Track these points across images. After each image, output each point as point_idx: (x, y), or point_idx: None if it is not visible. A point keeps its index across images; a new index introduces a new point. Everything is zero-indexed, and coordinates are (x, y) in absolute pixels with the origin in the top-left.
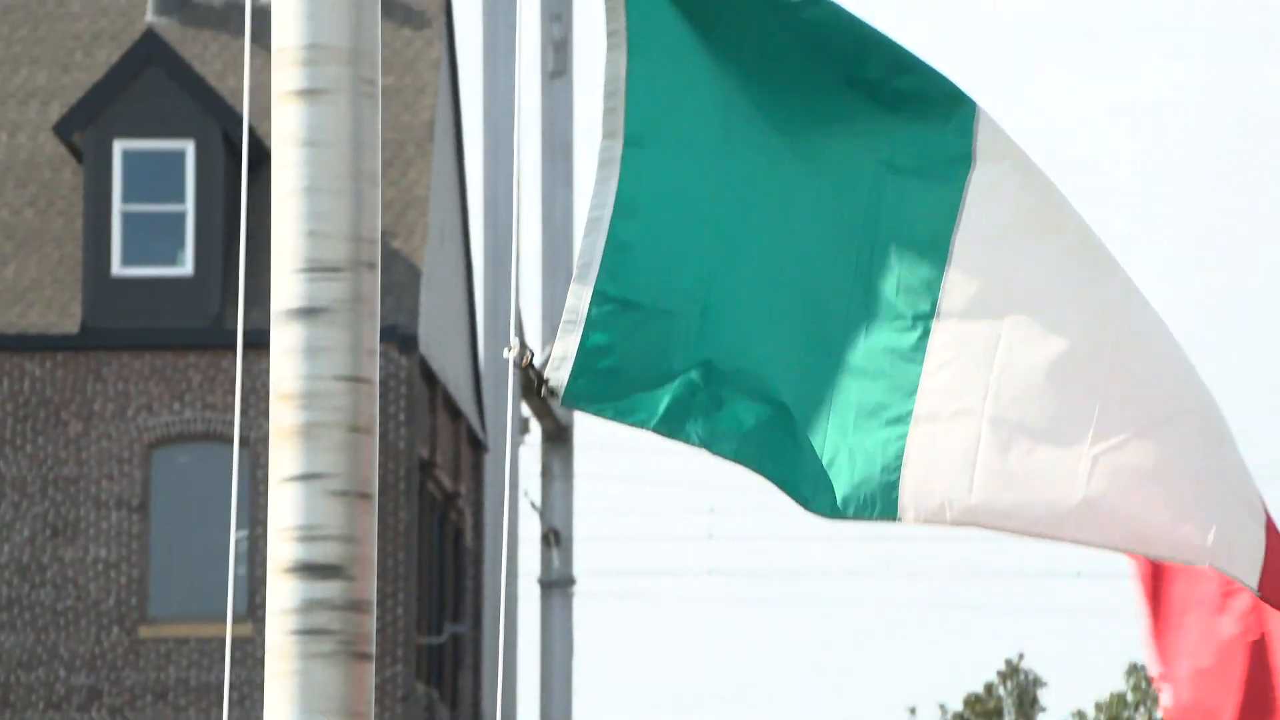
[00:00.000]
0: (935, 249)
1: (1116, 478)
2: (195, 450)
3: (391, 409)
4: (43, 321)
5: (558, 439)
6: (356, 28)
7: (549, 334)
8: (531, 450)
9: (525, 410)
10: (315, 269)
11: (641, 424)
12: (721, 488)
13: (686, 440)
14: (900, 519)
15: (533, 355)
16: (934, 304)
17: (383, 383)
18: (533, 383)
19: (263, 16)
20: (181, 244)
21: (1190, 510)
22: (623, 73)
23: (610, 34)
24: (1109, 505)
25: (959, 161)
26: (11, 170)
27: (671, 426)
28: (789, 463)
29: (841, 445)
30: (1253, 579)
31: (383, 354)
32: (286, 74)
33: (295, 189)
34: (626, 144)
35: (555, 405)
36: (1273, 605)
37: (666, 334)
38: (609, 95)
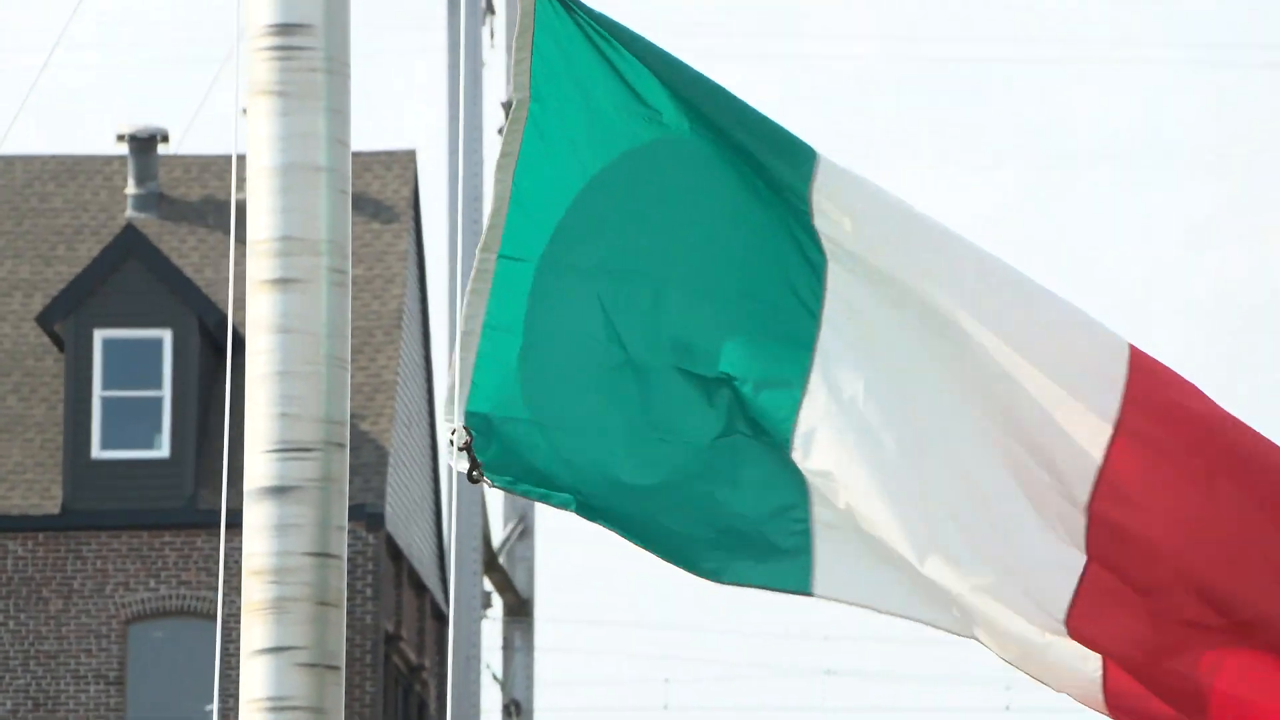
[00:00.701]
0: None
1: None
2: (170, 626)
3: (359, 584)
4: (25, 503)
5: (519, 613)
6: (329, 221)
7: (508, 506)
8: (493, 624)
9: (487, 585)
10: (287, 449)
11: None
12: (677, 659)
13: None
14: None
15: (469, 439)
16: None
17: (350, 559)
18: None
19: (241, 211)
20: (158, 428)
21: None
22: (508, 193)
23: (502, 155)
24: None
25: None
26: None
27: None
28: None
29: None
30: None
31: (351, 531)
32: (262, 264)
33: (269, 373)
34: (500, 257)
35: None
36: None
37: (552, 439)
38: (494, 213)
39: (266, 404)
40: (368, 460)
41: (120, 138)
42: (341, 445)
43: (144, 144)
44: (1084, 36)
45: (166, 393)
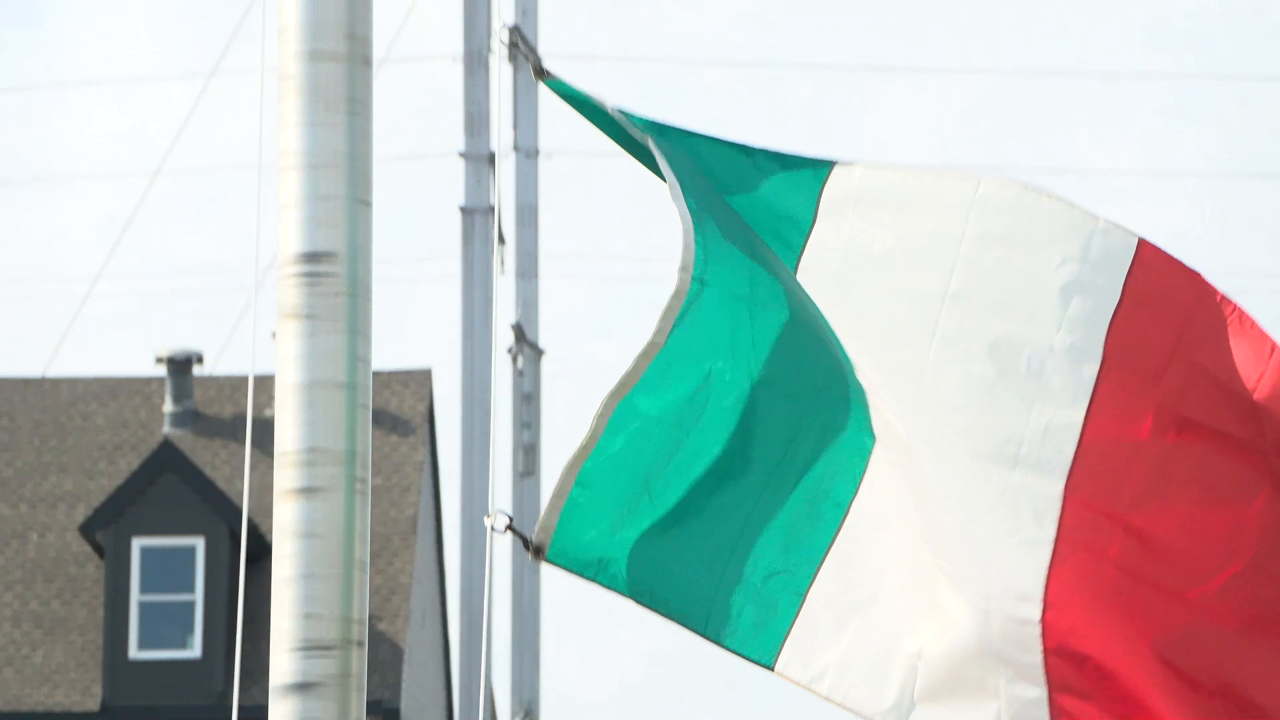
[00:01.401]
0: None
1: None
2: None
3: None
4: (68, 700)
5: None
6: (350, 434)
7: (518, 706)
8: None
9: None
10: (310, 647)
11: (608, 586)
12: None
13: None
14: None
15: (511, 520)
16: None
17: None
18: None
19: (265, 427)
20: (191, 630)
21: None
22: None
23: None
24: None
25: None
26: (41, 566)
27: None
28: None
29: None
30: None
31: None
32: (287, 474)
33: (293, 575)
34: (695, 279)
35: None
36: None
37: (641, 506)
38: (684, 233)
39: (291, 605)
40: (384, 658)
41: (159, 360)
42: (361, 643)
43: (180, 366)
44: None
45: (199, 597)
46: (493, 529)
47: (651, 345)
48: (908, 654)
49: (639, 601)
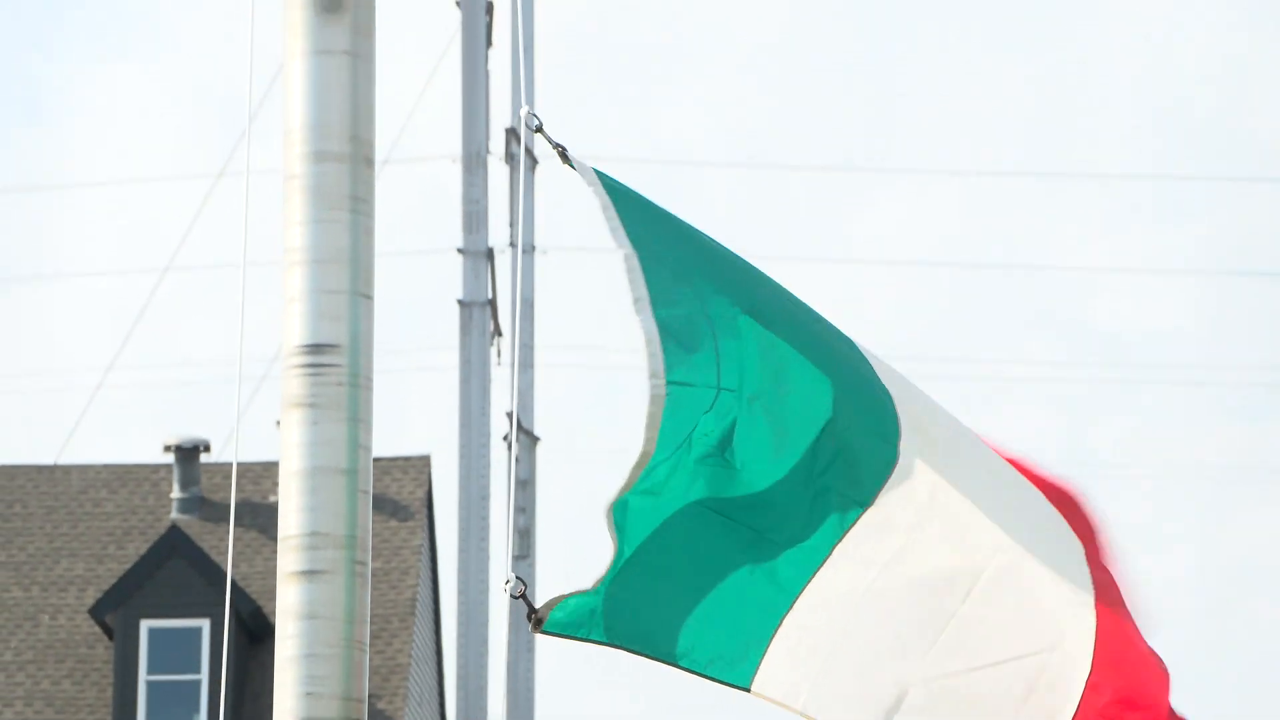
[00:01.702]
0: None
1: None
2: None
3: None
4: None
5: None
6: (350, 518)
7: None
8: None
9: None
10: None
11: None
12: None
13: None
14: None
15: (525, 587)
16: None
17: None
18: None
19: (270, 511)
20: (197, 709)
21: None
22: (655, 328)
23: (635, 300)
24: None
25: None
26: (53, 648)
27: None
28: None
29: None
30: None
31: None
32: (290, 557)
33: (295, 655)
34: (669, 383)
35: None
36: None
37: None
38: (649, 344)
39: (293, 684)
40: None
41: (166, 448)
42: None
43: (187, 453)
44: None
45: (204, 676)
46: (509, 594)
47: (644, 455)
48: (891, 680)
49: (621, 646)
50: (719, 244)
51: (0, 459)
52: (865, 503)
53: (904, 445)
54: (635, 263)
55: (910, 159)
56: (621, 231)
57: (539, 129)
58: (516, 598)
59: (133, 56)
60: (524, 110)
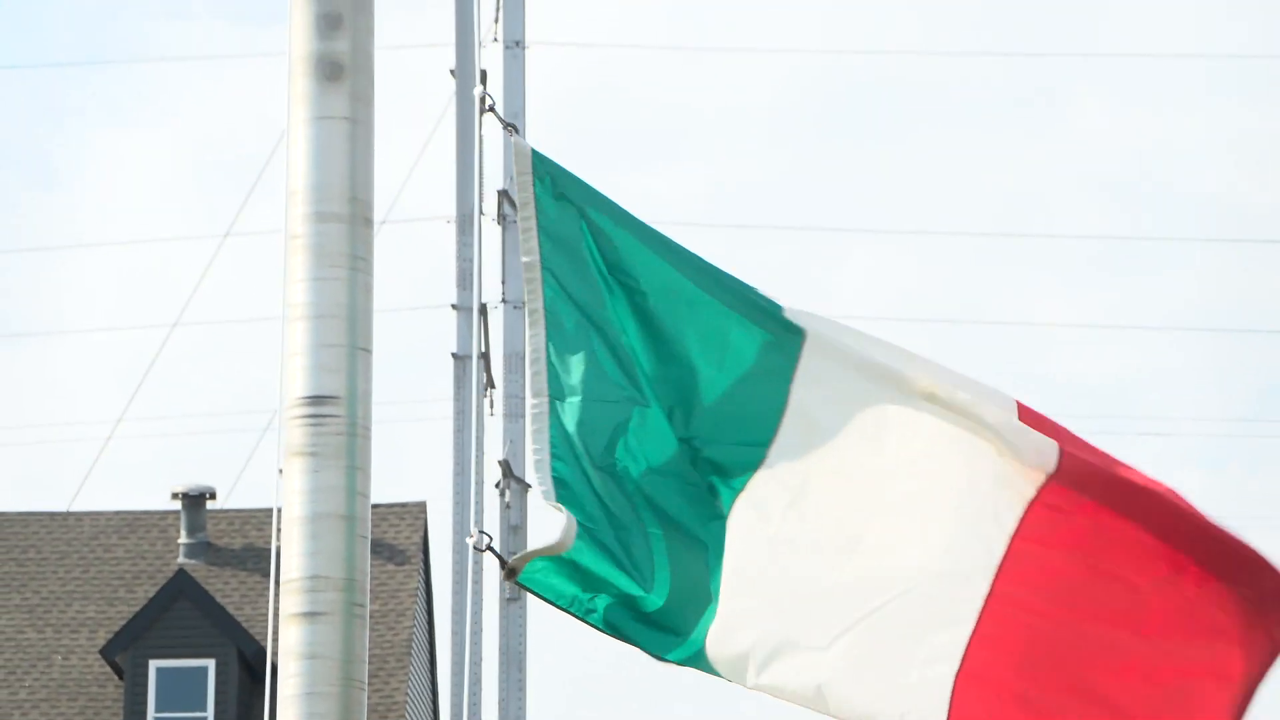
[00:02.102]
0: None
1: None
2: None
3: None
4: None
5: None
6: (350, 563)
7: None
8: None
9: None
10: None
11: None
12: None
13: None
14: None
15: (490, 540)
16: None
17: None
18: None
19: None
20: None
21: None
22: (543, 344)
23: (530, 312)
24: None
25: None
26: (65, 687)
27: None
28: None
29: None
30: None
31: None
32: (292, 600)
33: (296, 694)
34: (551, 398)
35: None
36: None
37: (604, 545)
38: (533, 363)
39: None
40: None
41: (174, 495)
42: None
43: (194, 500)
44: None
45: (210, 714)
46: (475, 548)
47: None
48: (812, 649)
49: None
50: (643, 223)
51: (15, 506)
52: (764, 448)
53: (797, 390)
54: (536, 273)
55: (883, 219)
56: (534, 239)
57: (491, 109)
58: (482, 550)
59: (140, 123)
60: (478, 90)
